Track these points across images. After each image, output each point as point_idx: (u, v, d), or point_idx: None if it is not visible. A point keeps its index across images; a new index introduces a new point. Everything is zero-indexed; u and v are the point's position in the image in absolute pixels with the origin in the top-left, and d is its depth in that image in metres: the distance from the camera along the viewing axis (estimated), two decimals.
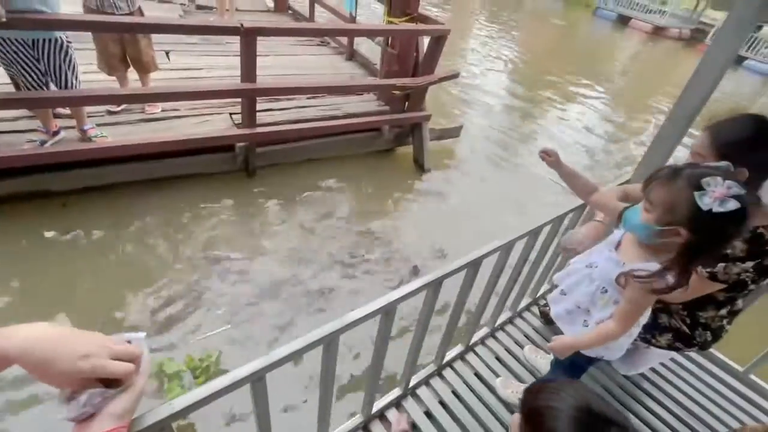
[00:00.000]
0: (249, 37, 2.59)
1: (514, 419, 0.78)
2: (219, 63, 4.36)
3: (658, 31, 17.25)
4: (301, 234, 3.12)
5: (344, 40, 5.19)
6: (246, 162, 3.38)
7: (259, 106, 3.22)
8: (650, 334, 1.49)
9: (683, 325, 1.43)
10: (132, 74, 3.22)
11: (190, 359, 2.09)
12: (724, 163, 0.93)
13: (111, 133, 2.97)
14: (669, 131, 1.79)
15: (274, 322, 2.48)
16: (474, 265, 1.46)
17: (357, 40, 5.16)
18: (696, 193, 0.85)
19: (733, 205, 0.82)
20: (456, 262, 1.38)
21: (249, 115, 3.02)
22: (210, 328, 2.36)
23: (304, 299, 2.66)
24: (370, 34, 4.58)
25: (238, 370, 0.88)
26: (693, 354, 2.14)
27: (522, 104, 6.99)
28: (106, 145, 2.78)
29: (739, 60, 14.95)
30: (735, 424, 1.80)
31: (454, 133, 4.56)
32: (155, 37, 3.24)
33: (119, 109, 3.25)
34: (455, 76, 3.75)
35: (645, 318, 1.20)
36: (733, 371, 2.06)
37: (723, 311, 1.38)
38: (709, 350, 2.09)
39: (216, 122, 3.30)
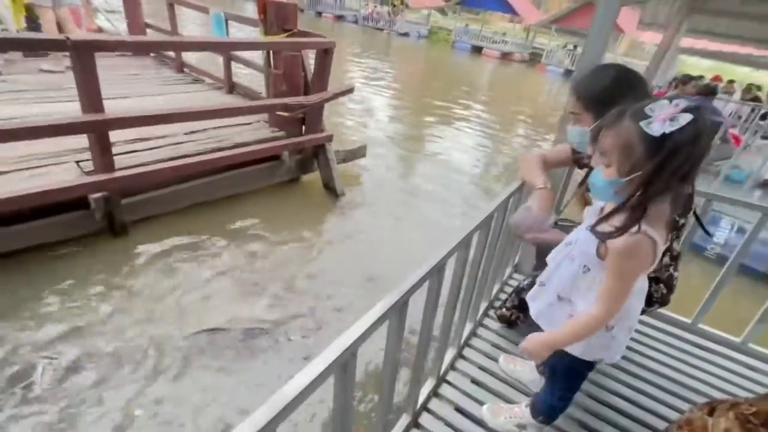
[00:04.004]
0: (82, 53, 1.98)
1: None
2: (63, 110, 3.49)
3: (505, 56, 20.59)
4: (197, 302, 2.42)
5: (222, 74, 4.70)
6: (110, 218, 2.61)
7: (121, 148, 2.54)
8: None
9: None
10: None
11: None
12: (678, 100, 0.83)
13: None
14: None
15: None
16: (438, 272, 1.17)
17: (235, 71, 4.72)
18: (642, 123, 0.78)
19: (684, 118, 0.74)
20: (416, 273, 1.07)
21: (101, 155, 2.33)
22: None
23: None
24: (247, 47, 3.93)
25: None
26: (649, 319, 2.10)
27: (413, 118, 7.26)
28: None
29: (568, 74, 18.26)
30: (694, 372, 1.79)
31: (359, 153, 4.35)
32: None
33: None
34: (350, 91, 3.56)
35: (640, 302, 1.03)
36: (684, 325, 2.07)
37: (666, 259, 1.39)
38: (661, 312, 2.10)
39: (56, 174, 2.49)
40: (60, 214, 2.48)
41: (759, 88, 8.79)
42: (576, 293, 1.01)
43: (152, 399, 1.84)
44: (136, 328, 2.13)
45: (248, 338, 2.21)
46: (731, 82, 9.47)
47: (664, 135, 0.75)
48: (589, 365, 1.14)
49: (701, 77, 9.01)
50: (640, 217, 0.82)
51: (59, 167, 2.57)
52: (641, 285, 1.01)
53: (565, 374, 1.21)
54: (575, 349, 1.06)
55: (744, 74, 15.07)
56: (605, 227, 0.87)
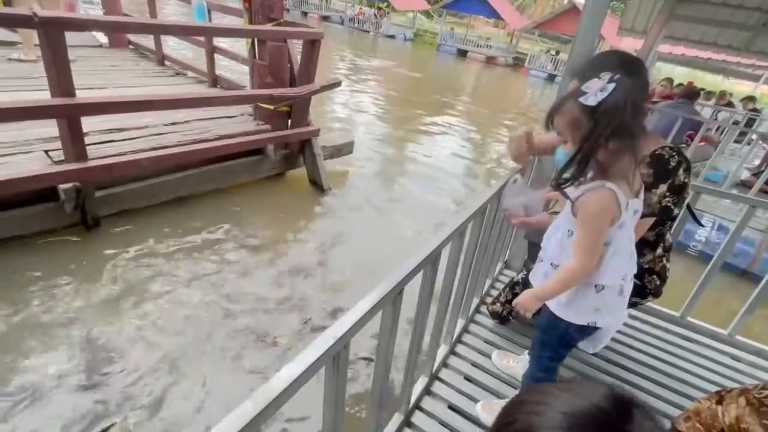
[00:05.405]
0: (51, 31, 1.84)
1: None
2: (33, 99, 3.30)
3: (490, 60, 20.90)
4: (176, 306, 2.24)
5: (204, 67, 4.56)
6: (82, 210, 2.46)
7: (96, 138, 2.39)
8: None
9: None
10: None
11: None
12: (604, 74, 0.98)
13: None
14: (565, 85, 1.78)
15: None
16: (433, 261, 1.13)
17: (218, 65, 4.58)
18: (581, 99, 0.92)
19: (611, 86, 0.89)
20: (411, 262, 1.02)
21: (73, 143, 2.18)
22: None
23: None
24: (230, 34, 3.57)
25: None
26: (638, 313, 2.10)
27: (401, 117, 7.24)
28: None
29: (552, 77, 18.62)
30: (683, 364, 1.79)
31: (346, 149, 4.27)
32: None
33: None
34: (337, 84, 3.48)
35: (627, 264, 1.08)
36: (672, 318, 2.08)
37: (659, 251, 1.40)
38: (650, 306, 2.10)
39: (21, 163, 2.33)
40: (19, 208, 2.31)
41: (731, 94, 9.18)
42: (565, 258, 1.07)
43: None
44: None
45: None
46: (703, 90, 9.88)
47: (599, 103, 0.89)
48: (581, 330, 1.15)
49: (680, 84, 9.35)
50: (585, 167, 0.94)
51: (25, 156, 2.40)
52: (626, 245, 1.05)
53: (558, 340, 1.22)
54: (568, 314, 1.10)
55: (714, 83, 15.73)
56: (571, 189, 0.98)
